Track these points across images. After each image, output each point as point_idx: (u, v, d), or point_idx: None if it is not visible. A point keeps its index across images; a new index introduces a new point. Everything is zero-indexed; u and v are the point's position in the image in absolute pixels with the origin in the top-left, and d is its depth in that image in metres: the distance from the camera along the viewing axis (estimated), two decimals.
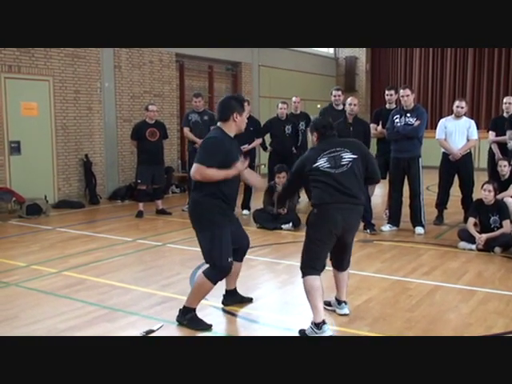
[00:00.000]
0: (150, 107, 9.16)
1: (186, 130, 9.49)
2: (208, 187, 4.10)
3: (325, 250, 4.15)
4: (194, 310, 4.30)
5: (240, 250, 4.54)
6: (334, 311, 4.56)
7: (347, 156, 4.13)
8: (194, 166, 4.06)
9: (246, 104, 4.44)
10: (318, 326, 3.94)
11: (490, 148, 8.50)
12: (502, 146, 8.09)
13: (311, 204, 4.24)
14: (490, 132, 8.44)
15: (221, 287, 5.03)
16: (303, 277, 4.10)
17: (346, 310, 4.54)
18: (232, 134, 4.24)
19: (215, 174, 4.06)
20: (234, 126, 4.23)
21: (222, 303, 4.74)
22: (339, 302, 4.56)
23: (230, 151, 4.15)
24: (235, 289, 4.78)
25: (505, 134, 8.05)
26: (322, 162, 4.12)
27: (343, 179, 4.07)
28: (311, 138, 4.43)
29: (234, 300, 4.76)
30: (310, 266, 4.09)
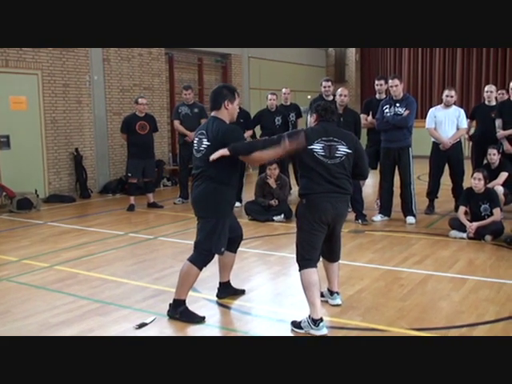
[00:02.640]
0: (140, 100, 9.12)
1: (177, 122, 9.49)
2: (222, 176, 4.20)
3: (319, 240, 4.15)
4: (184, 301, 4.30)
5: (234, 240, 4.57)
6: (327, 302, 4.57)
7: (342, 149, 4.12)
8: (253, 155, 4.12)
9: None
10: (316, 322, 3.94)
11: (475, 137, 8.61)
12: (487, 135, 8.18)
13: (299, 194, 4.24)
14: (469, 120, 8.50)
15: (213, 280, 5.04)
16: (300, 270, 4.10)
17: (338, 301, 4.56)
18: (227, 123, 4.31)
19: (263, 154, 4.14)
20: (226, 115, 4.32)
21: (217, 296, 4.75)
22: (331, 292, 4.58)
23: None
24: (229, 281, 4.78)
25: (485, 123, 8.22)
26: (317, 148, 4.07)
27: (334, 170, 4.07)
28: (309, 120, 4.41)
29: (227, 292, 4.76)
30: (306, 258, 4.09)
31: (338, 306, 4.52)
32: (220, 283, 4.77)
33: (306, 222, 4.12)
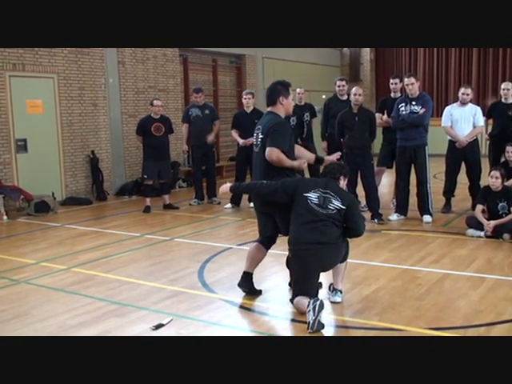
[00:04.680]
0: (155, 102, 9.16)
1: (185, 126, 9.62)
2: (278, 174, 4.47)
3: (313, 281, 4.35)
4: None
5: (273, 240, 4.78)
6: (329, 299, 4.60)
7: (336, 203, 4.29)
8: (271, 149, 4.41)
9: (291, 89, 4.70)
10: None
11: (492, 135, 8.49)
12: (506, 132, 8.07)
13: (287, 242, 4.43)
14: (485, 118, 8.41)
15: (230, 281, 5.07)
16: (292, 299, 4.39)
17: (337, 298, 4.57)
18: (282, 117, 4.62)
19: (286, 160, 4.49)
20: (282, 109, 4.62)
21: (238, 284, 4.82)
22: (333, 289, 4.60)
23: (291, 135, 4.65)
24: (252, 274, 4.83)
25: (502, 120, 8.10)
26: (313, 196, 4.31)
27: (323, 222, 4.24)
28: (341, 184, 4.56)
29: (247, 283, 4.80)
30: (301, 294, 4.29)
31: (337, 303, 4.54)
32: (244, 272, 4.82)
33: (295, 272, 4.40)
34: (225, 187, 4.67)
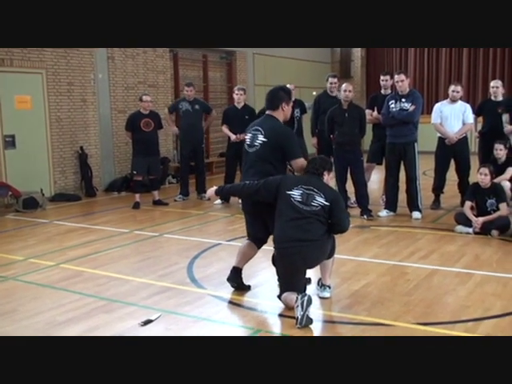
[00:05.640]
0: (144, 97, 9.13)
1: (171, 115, 9.83)
2: (273, 171, 4.55)
3: (299, 277, 4.35)
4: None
5: (265, 240, 4.82)
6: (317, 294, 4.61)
7: (320, 200, 4.26)
8: (301, 160, 4.57)
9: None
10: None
11: (482, 133, 8.53)
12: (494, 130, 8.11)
13: (272, 239, 4.44)
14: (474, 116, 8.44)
15: (219, 276, 5.07)
16: (279, 295, 4.37)
17: (325, 294, 4.59)
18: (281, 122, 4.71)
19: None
20: (282, 115, 4.68)
21: (227, 279, 4.83)
22: (322, 285, 4.62)
23: None
24: (241, 270, 4.84)
25: (492, 118, 8.16)
26: (296, 193, 4.28)
27: (307, 219, 4.22)
28: (325, 179, 4.52)
29: (236, 278, 4.81)
30: (288, 290, 4.28)
31: (326, 299, 4.55)
32: (234, 267, 4.83)
33: (280, 269, 4.39)
34: (210, 191, 4.69)
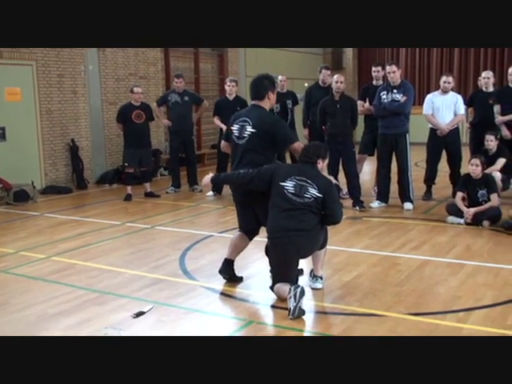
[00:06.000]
0: (135, 89, 9.08)
1: (161, 108, 9.71)
2: (263, 161, 4.51)
3: (291, 268, 4.35)
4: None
5: (256, 232, 4.82)
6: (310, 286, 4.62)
7: (313, 191, 4.25)
8: (299, 143, 4.65)
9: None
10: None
11: (473, 124, 8.56)
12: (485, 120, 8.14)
13: (266, 229, 4.44)
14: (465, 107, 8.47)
15: (211, 268, 5.06)
16: (272, 286, 4.38)
17: (317, 285, 4.60)
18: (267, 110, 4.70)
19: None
20: (268, 104, 4.66)
21: (219, 271, 4.82)
22: (314, 276, 4.62)
23: None
24: (233, 261, 4.84)
25: (483, 109, 8.19)
26: (289, 185, 4.27)
27: (300, 211, 4.22)
28: (320, 167, 4.50)
29: (228, 270, 4.81)
30: (280, 281, 4.28)
31: (318, 289, 4.56)
32: (225, 259, 4.82)
33: (274, 260, 4.39)
34: (206, 179, 4.67)
